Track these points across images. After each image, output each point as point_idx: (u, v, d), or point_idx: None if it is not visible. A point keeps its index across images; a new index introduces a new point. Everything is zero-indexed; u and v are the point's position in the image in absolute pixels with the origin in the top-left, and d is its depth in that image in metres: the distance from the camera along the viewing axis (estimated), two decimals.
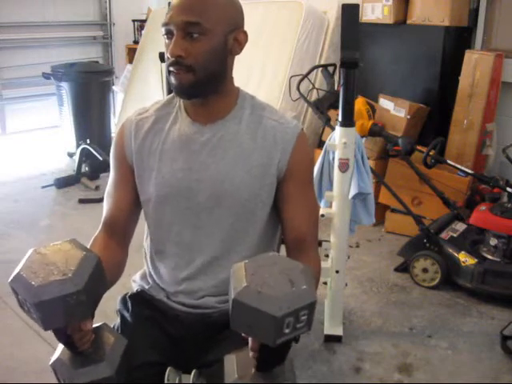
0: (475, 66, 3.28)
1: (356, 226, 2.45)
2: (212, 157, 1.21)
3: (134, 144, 1.26)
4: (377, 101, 3.52)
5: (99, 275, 0.92)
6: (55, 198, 4.01)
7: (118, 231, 1.27)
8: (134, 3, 5.81)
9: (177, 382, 1.20)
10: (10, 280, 0.88)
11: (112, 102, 5.18)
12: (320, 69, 3.03)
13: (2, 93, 5.30)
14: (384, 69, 3.69)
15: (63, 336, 0.93)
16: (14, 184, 4.21)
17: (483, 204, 2.81)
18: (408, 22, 3.56)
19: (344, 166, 2.17)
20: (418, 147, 3.04)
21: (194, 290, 1.27)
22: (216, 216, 1.22)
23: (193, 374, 1.18)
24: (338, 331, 2.32)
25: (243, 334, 0.86)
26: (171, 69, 1.14)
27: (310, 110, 3.57)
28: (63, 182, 4.14)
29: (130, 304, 1.35)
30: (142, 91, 4.58)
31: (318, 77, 3.39)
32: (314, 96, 2.99)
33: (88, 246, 0.97)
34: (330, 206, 2.27)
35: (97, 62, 5.51)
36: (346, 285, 2.41)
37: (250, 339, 0.89)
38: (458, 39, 3.49)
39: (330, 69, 2.89)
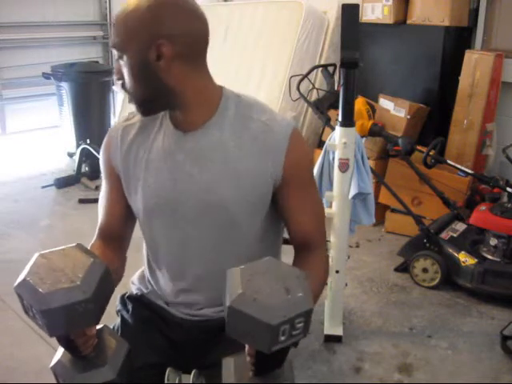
0: (475, 65, 3.27)
1: (356, 225, 2.45)
2: (196, 167, 1.15)
3: (120, 152, 1.23)
4: (377, 101, 3.51)
5: (107, 282, 0.91)
6: (55, 197, 4.01)
7: (114, 238, 1.26)
8: None
9: (177, 382, 1.20)
10: (15, 285, 0.87)
11: (112, 102, 5.16)
12: (320, 69, 3.02)
13: (2, 93, 5.29)
14: (384, 69, 3.69)
15: (66, 340, 0.92)
16: (14, 184, 4.20)
17: (483, 204, 2.80)
18: (408, 22, 3.56)
19: (344, 166, 2.17)
20: (418, 147, 3.04)
21: (191, 303, 1.27)
22: (203, 228, 1.18)
23: (193, 373, 1.18)
24: (338, 331, 2.32)
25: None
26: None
27: (309, 109, 3.57)
28: (63, 182, 4.14)
29: (129, 306, 1.35)
30: None
31: (318, 77, 3.38)
32: (313, 96, 2.98)
33: None
34: (330, 206, 2.27)
35: (97, 61, 5.49)
36: (346, 285, 2.41)
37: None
38: (458, 39, 3.48)
39: (330, 69, 2.89)
